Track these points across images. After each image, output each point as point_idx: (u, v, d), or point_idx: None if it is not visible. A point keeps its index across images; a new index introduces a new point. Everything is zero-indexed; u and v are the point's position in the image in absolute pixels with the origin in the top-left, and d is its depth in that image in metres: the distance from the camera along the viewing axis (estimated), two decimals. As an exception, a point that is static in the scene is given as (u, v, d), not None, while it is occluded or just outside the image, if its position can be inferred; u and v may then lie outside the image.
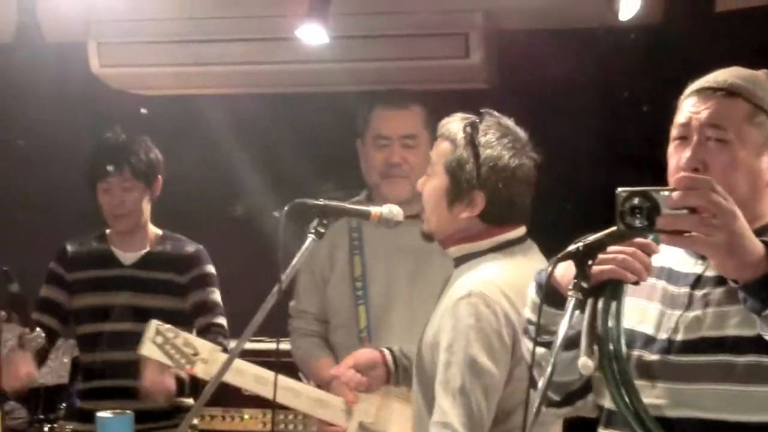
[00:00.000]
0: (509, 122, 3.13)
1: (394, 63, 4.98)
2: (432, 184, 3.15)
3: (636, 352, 2.36)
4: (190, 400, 4.46)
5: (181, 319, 4.45)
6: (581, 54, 5.19)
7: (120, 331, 4.41)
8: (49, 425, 5.88)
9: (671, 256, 2.42)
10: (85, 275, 4.50)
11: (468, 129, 3.07)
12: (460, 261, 3.14)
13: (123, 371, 4.33)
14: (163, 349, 3.69)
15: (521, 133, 3.13)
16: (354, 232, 4.05)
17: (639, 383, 2.30)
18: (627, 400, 2.23)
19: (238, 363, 3.68)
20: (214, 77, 5.30)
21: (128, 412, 3.54)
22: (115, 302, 4.44)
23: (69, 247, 4.55)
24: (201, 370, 3.69)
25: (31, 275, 4.48)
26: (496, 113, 3.13)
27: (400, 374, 3.68)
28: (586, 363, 2.14)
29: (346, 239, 4.06)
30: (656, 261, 2.34)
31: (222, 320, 4.48)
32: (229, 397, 4.15)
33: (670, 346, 2.33)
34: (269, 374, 3.76)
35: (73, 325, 4.56)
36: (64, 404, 5.83)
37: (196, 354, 3.68)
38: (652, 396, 2.31)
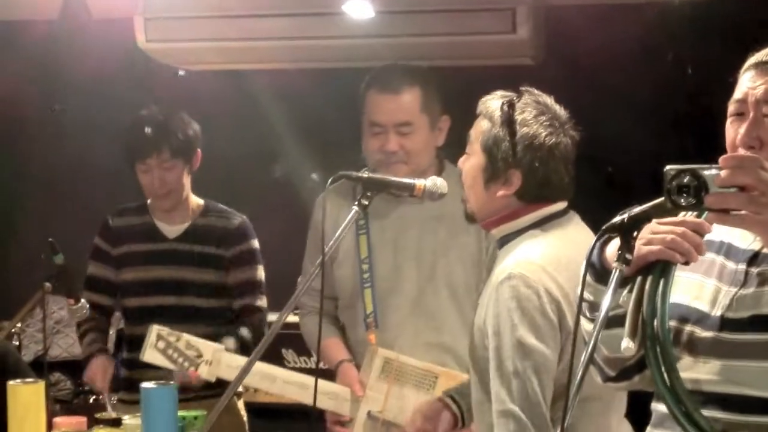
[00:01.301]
0: (548, 100, 3.09)
1: (440, 38, 4.97)
2: (470, 163, 3.12)
3: (689, 328, 2.34)
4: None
5: (224, 293, 4.49)
6: (628, 29, 5.15)
7: (165, 304, 4.43)
8: (93, 396, 5.94)
9: (733, 231, 2.38)
10: (129, 249, 4.51)
11: (505, 107, 3.03)
12: (503, 241, 3.12)
13: None
14: (166, 354, 3.66)
15: (560, 110, 3.08)
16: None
17: (691, 359, 2.29)
18: (668, 383, 2.21)
19: (242, 361, 3.67)
20: (260, 52, 5.30)
21: (172, 382, 3.56)
22: (159, 276, 4.46)
23: (111, 221, 4.55)
24: (205, 372, 3.67)
25: (77, 246, 4.52)
26: (535, 91, 3.09)
27: (466, 414, 3.62)
28: (627, 345, 2.12)
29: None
30: (717, 235, 2.32)
31: (262, 302, 4.48)
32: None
33: (723, 324, 2.30)
34: (279, 371, 3.78)
35: (119, 298, 4.58)
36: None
37: (199, 356, 3.66)
38: (703, 372, 2.29)
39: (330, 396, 3.76)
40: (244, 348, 4.34)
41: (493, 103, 3.07)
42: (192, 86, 5.58)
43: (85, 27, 5.14)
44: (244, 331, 4.39)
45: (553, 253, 2.95)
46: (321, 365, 3.94)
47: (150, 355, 3.69)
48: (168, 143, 4.36)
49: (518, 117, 3.01)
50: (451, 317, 3.88)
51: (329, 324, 4.04)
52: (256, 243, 4.49)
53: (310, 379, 3.74)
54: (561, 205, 3.10)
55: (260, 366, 3.66)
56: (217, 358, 3.62)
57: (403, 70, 3.91)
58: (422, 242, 3.89)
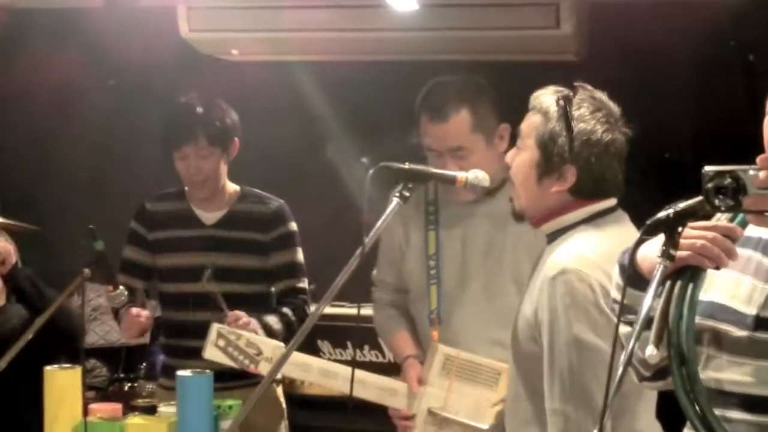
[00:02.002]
0: (603, 96, 3.08)
1: (483, 32, 4.95)
2: (521, 158, 3.10)
3: (724, 327, 2.31)
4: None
5: (263, 279, 4.48)
6: (673, 25, 5.11)
7: (202, 291, 4.43)
8: (129, 384, 5.98)
9: None
10: (166, 235, 4.51)
11: (561, 102, 3.01)
12: (552, 237, 3.11)
13: (204, 331, 4.36)
14: (226, 352, 3.67)
15: (614, 107, 3.07)
16: (430, 205, 3.97)
17: (725, 359, 2.27)
18: (690, 396, 2.20)
19: (305, 358, 3.69)
20: (303, 43, 5.31)
21: (208, 371, 3.57)
22: (197, 262, 4.46)
23: (148, 206, 4.56)
24: (265, 369, 3.67)
25: (118, 233, 4.54)
26: (589, 87, 3.08)
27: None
28: (651, 352, 2.12)
29: (422, 211, 3.99)
30: (753, 231, 2.30)
31: (303, 283, 4.49)
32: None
33: (758, 323, 2.28)
34: (336, 367, 3.78)
35: (156, 283, 4.59)
36: (144, 364, 5.91)
37: (259, 354, 3.67)
38: (739, 373, 2.27)
39: (390, 392, 3.76)
40: (288, 327, 4.35)
41: (547, 98, 3.06)
42: (236, 76, 5.59)
43: (129, 16, 5.16)
44: (287, 310, 4.40)
45: (606, 249, 2.92)
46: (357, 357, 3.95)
47: (210, 352, 3.71)
48: (205, 131, 4.35)
49: (575, 112, 3.00)
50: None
51: (400, 316, 4.06)
52: (294, 225, 4.47)
53: (371, 376, 3.78)
54: (612, 202, 3.09)
55: (319, 362, 3.71)
56: (278, 355, 3.63)
57: (450, 93, 3.82)
58: (490, 238, 3.87)
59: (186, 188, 4.52)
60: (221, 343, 3.66)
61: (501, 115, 3.87)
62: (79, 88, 6.47)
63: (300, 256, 4.50)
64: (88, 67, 6.33)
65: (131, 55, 5.96)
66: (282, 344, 3.78)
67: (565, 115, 2.99)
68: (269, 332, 4.34)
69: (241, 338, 3.69)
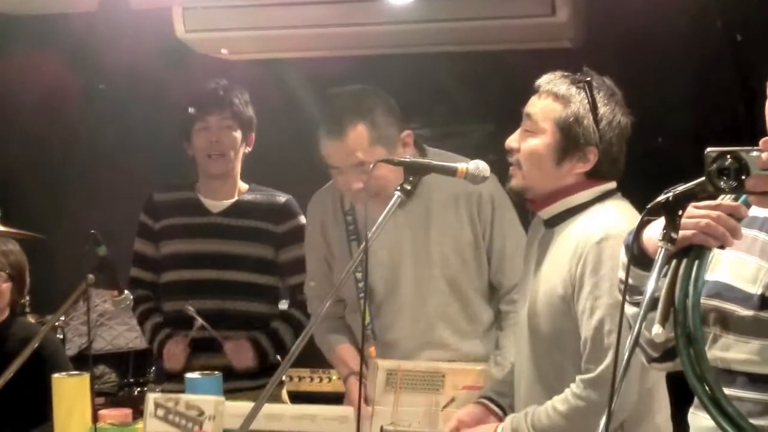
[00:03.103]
0: (609, 81, 3.16)
1: (479, 22, 4.94)
2: (538, 142, 3.13)
3: (730, 307, 2.32)
4: (278, 357, 4.47)
5: (268, 269, 4.48)
6: (669, 12, 5.10)
7: (204, 278, 4.42)
8: (138, 389, 5.96)
9: None
10: (171, 222, 4.50)
11: (583, 86, 3.09)
12: (556, 220, 3.15)
13: (208, 321, 4.35)
14: (167, 420, 3.56)
15: (619, 92, 3.16)
16: (348, 215, 3.92)
17: (732, 338, 2.28)
18: (698, 372, 2.20)
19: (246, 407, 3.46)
20: (299, 40, 5.30)
21: (216, 372, 3.57)
22: (201, 249, 4.44)
23: (156, 196, 4.55)
24: (210, 428, 3.58)
25: (120, 238, 4.53)
26: (594, 72, 3.15)
27: (508, 411, 3.51)
28: (657, 331, 2.13)
29: (340, 223, 3.94)
30: (759, 211, 2.31)
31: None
32: (317, 357, 4.14)
33: (763, 302, 2.28)
34: (280, 408, 3.67)
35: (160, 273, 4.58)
36: (153, 368, 5.89)
37: (201, 414, 3.59)
38: (744, 352, 2.28)
39: (339, 420, 3.62)
40: (297, 329, 4.36)
41: (560, 83, 3.12)
42: (233, 75, 5.58)
43: (124, 18, 5.15)
44: (282, 328, 4.41)
45: (633, 221, 2.96)
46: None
47: (151, 425, 3.52)
48: (231, 105, 4.37)
49: (596, 96, 3.09)
50: (454, 310, 3.85)
51: (340, 328, 4.03)
52: (304, 219, 4.41)
53: (318, 409, 3.65)
54: (614, 184, 3.17)
55: (265, 408, 3.51)
56: (220, 411, 3.51)
57: (345, 108, 3.73)
58: (415, 241, 3.84)
59: (197, 183, 4.50)
60: (160, 413, 3.49)
61: (401, 121, 3.79)
62: (74, 93, 6.46)
63: None
64: (82, 71, 6.32)
65: (125, 58, 5.95)
66: (222, 398, 3.58)
67: (591, 99, 3.07)
68: (278, 343, 4.34)
69: (179, 402, 3.51)
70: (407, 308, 3.85)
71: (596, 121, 3.06)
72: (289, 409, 3.76)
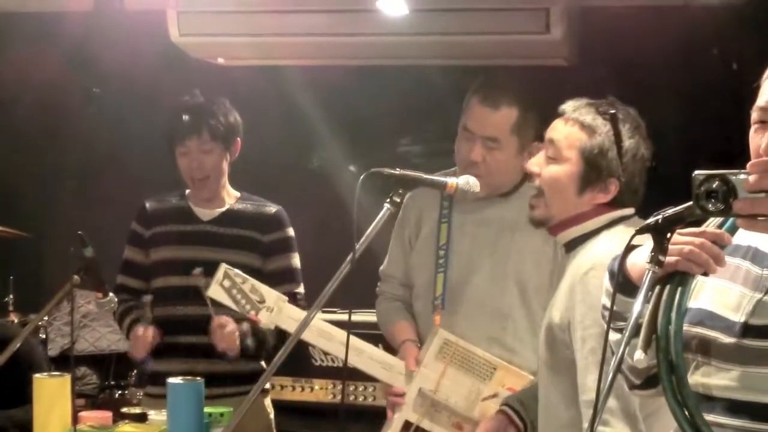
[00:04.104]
0: (634, 111, 3.16)
1: (474, 37, 4.94)
2: (560, 169, 3.14)
3: (713, 334, 2.32)
4: (261, 364, 4.47)
5: (254, 277, 4.46)
6: (663, 31, 5.11)
7: (195, 285, 4.42)
8: (119, 391, 5.95)
9: (760, 236, 2.35)
10: (162, 230, 4.50)
11: (609, 118, 3.09)
12: (572, 245, 3.16)
13: (194, 326, 4.35)
14: (230, 293, 3.68)
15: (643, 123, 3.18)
16: (445, 200, 4.00)
17: (713, 366, 2.28)
18: (679, 399, 2.21)
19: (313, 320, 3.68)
20: (293, 48, 5.30)
21: (198, 379, 3.56)
22: (189, 256, 4.44)
23: (148, 205, 4.55)
24: (265, 318, 3.68)
25: (108, 240, 4.53)
26: (617, 101, 3.16)
27: (530, 426, 3.56)
28: (639, 356, 2.13)
29: (437, 206, 4.02)
30: (743, 240, 2.30)
31: (301, 288, 4.48)
32: (299, 367, 4.14)
33: (745, 330, 2.28)
34: (335, 331, 3.76)
35: (150, 278, 4.57)
36: (134, 371, 5.89)
37: (262, 301, 3.68)
38: (726, 379, 2.27)
39: (384, 366, 3.77)
40: (261, 342, 4.35)
41: (586, 112, 3.12)
42: (227, 79, 5.59)
43: (118, 20, 5.15)
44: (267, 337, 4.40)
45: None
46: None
47: (214, 291, 3.72)
48: (208, 126, 4.36)
49: (621, 128, 3.09)
50: (519, 316, 3.89)
51: (402, 309, 4.08)
52: (292, 231, 4.47)
53: (368, 346, 3.79)
54: (632, 210, 3.17)
55: (319, 324, 3.68)
56: (279, 307, 3.65)
57: (508, 88, 3.90)
58: (498, 240, 3.91)
59: (187, 192, 4.52)
60: (226, 283, 3.67)
61: (540, 134, 3.86)
62: (67, 93, 6.46)
63: (297, 261, 4.51)
64: (76, 71, 6.32)
65: (119, 60, 5.95)
66: (285, 298, 3.78)
67: (617, 132, 3.07)
68: (260, 340, 4.34)
69: (246, 282, 3.70)
70: (474, 300, 3.90)
71: (620, 154, 3.07)
72: (340, 335, 3.75)
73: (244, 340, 4.32)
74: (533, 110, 3.87)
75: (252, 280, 3.74)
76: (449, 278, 3.93)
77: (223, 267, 3.73)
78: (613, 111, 3.10)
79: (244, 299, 3.69)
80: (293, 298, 4.38)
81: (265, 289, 3.73)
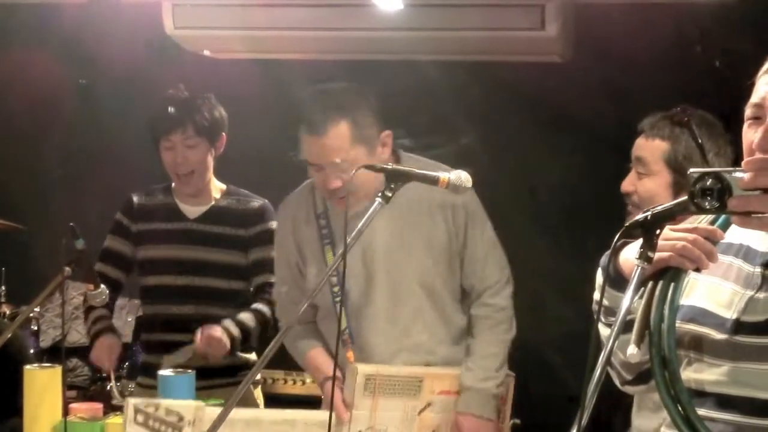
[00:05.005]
0: (704, 113, 3.38)
1: (469, 33, 4.93)
2: (651, 183, 3.36)
3: (705, 330, 2.32)
4: (252, 356, 4.47)
5: (242, 274, 4.48)
6: (658, 27, 5.11)
7: (182, 284, 4.42)
8: (109, 384, 5.93)
9: (751, 234, 2.36)
10: (149, 227, 4.50)
11: (685, 124, 3.30)
12: None
13: (184, 325, 4.35)
14: (147, 426, 3.54)
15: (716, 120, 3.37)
16: (321, 218, 3.91)
17: (705, 362, 2.28)
18: (672, 392, 2.22)
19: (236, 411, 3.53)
20: (288, 42, 5.29)
21: (190, 371, 3.55)
22: (178, 255, 4.45)
23: (135, 199, 4.55)
24: None
25: (99, 232, 4.52)
26: (689, 107, 3.38)
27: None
28: (632, 351, 2.14)
29: (313, 227, 3.92)
30: (735, 238, 2.32)
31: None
32: (291, 360, 4.13)
33: (737, 327, 2.29)
34: (263, 413, 3.76)
35: (137, 277, 4.57)
36: (126, 363, 5.88)
37: (181, 419, 3.56)
38: (717, 374, 2.28)
39: (318, 426, 3.66)
40: (263, 324, 4.33)
41: (663, 124, 3.36)
42: (219, 72, 5.57)
43: (113, 12, 5.14)
44: (262, 306, 4.38)
45: None
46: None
47: (131, 430, 3.52)
48: (192, 120, 4.35)
49: (698, 132, 3.32)
50: (429, 314, 3.87)
51: (311, 332, 4.00)
52: (275, 224, 4.38)
53: (295, 414, 3.70)
54: None
55: (243, 413, 3.56)
56: (200, 416, 3.49)
57: (329, 104, 3.73)
58: (389, 245, 3.84)
59: (173, 184, 4.51)
60: (140, 418, 3.49)
61: (381, 122, 3.79)
62: (59, 85, 6.45)
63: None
64: (70, 63, 6.31)
65: (113, 52, 5.93)
66: (202, 403, 3.60)
67: (694, 136, 3.30)
68: (244, 331, 4.32)
69: (159, 408, 3.52)
70: (382, 313, 3.85)
71: (704, 154, 3.26)
72: (267, 414, 3.76)
73: (232, 337, 4.30)
74: (361, 108, 3.74)
75: (163, 402, 3.55)
76: (350, 304, 3.84)
77: (131, 403, 3.52)
78: (686, 118, 3.31)
79: (163, 425, 3.55)
80: (269, 287, 4.36)
81: (179, 405, 3.55)
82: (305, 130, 3.73)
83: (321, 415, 3.72)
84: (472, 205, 3.87)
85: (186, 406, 3.49)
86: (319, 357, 3.95)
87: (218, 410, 3.45)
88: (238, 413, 3.42)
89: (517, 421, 4.06)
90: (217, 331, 4.21)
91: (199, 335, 4.20)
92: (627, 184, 3.44)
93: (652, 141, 3.38)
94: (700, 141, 3.31)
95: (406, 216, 3.81)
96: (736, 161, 3.25)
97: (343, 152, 3.68)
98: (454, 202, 3.80)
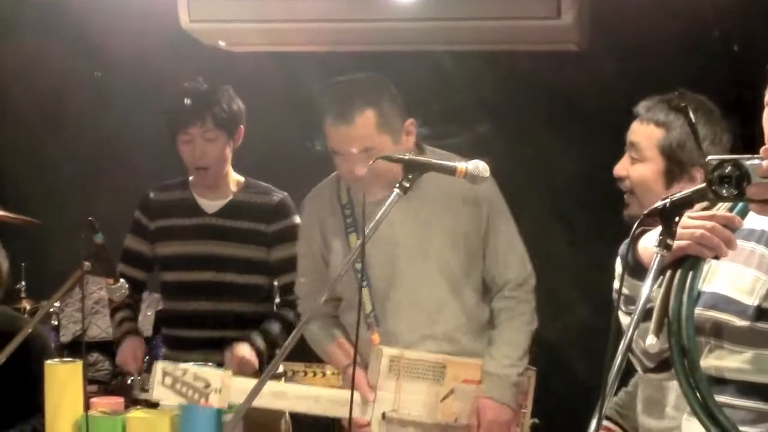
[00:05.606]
0: (704, 98, 3.30)
1: (483, 22, 4.92)
2: (645, 169, 3.29)
3: (726, 317, 2.33)
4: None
5: (262, 269, 4.46)
6: (674, 15, 5.10)
7: (202, 280, 4.41)
8: (131, 377, 5.95)
9: None
10: (167, 223, 4.50)
11: (681, 110, 3.23)
12: None
13: (204, 321, 4.36)
14: (174, 389, 3.56)
15: (715, 106, 3.30)
16: (346, 208, 3.94)
17: (727, 347, 2.29)
18: (691, 381, 2.22)
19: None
20: (303, 34, 5.28)
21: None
22: (197, 251, 4.44)
23: (152, 195, 4.54)
24: (216, 401, 3.56)
25: (118, 225, 4.53)
26: (688, 92, 3.29)
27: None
28: (651, 341, 2.14)
29: (338, 216, 3.95)
30: (757, 224, 2.32)
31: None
32: (311, 352, 4.14)
33: (759, 313, 2.29)
34: (289, 387, 3.79)
35: (157, 273, 4.57)
36: (147, 357, 5.89)
37: (208, 386, 3.60)
38: (739, 361, 2.29)
39: (341, 403, 3.72)
40: (289, 329, 4.33)
41: (658, 110, 3.28)
42: (236, 66, 5.57)
43: (128, 4, 5.15)
44: (275, 327, 4.39)
45: None
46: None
47: (158, 392, 3.58)
48: (211, 113, 4.33)
49: (694, 118, 3.22)
50: (452, 306, 3.90)
51: (333, 326, 4.04)
52: (297, 219, 4.41)
53: (320, 390, 3.78)
54: None
55: (270, 385, 3.57)
56: (227, 384, 3.54)
57: (353, 94, 3.78)
58: (414, 234, 3.88)
59: (190, 177, 4.50)
60: (168, 381, 3.54)
61: (405, 110, 3.85)
62: (74, 80, 6.46)
63: None
64: (84, 57, 6.32)
65: (128, 46, 5.94)
66: (229, 372, 3.65)
67: (691, 123, 3.21)
68: (272, 342, 4.32)
69: (187, 373, 3.57)
70: (406, 302, 3.88)
71: (698, 142, 3.19)
72: (293, 388, 3.81)
73: (259, 352, 4.30)
74: (385, 96, 3.80)
75: (192, 368, 3.60)
76: (374, 291, 3.89)
77: (160, 366, 3.59)
78: (684, 104, 3.22)
79: (190, 390, 3.58)
80: (291, 290, 4.34)
81: (208, 373, 3.60)
82: (331, 119, 3.77)
83: (345, 393, 3.74)
84: (496, 199, 3.92)
85: (214, 373, 3.55)
86: (342, 347, 3.99)
87: (244, 380, 3.61)
88: (268, 385, 3.41)
89: (537, 420, 4.07)
90: (245, 350, 4.21)
91: (229, 356, 4.20)
92: (619, 168, 3.38)
93: (646, 126, 3.31)
94: (695, 128, 3.23)
95: (430, 207, 3.86)
96: (733, 149, 3.25)
97: (369, 140, 3.73)
98: (478, 196, 3.85)
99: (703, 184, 2.13)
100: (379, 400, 3.79)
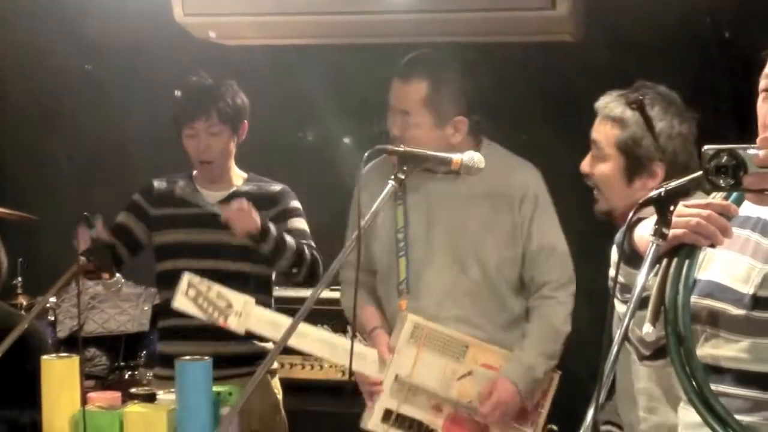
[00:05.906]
0: (663, 89, 3.29)
1: (478, 14, 4.92)
2: (605, 167, 3.32)
3: (722, 306, 2.33)
4: (269, 345, 4.47)
5: (261, 258, 4.45)
6: (670, 5, 5.09)
7: (201, 268, 4.40)
8: (129, 372, 5.96)
9: None
10: (168, 212, 4.52)
11: (635, 106, 3.23)
12: None
13: None
14: (196, 303, 3.64)
15: (677, 97, 3.29)
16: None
17: (723, 336, 2.29)
18: (688, 369, 2.22)
19: (283, 319, 3.69)
20: (297, 27, 5.27)
21: (207, 358, 3.56)
22: (197, 239, 4.45)
23: (156, 184, 4.57)
24: (234, 323, 3.66)
25: (112, 218, 4.52)
26: (648, 83, 3.29)
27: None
28: (648, 330, 2.15)
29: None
30: (752, 211, 2.32)
31: (310, 242, 4.48)
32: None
33: (755, 302, 2.29)
34: (310, 329, 3.79)
35: (153, 263, 4.57)
36: (144, 351, 5.90)
37: (229, 306, 3.64)
38: (735, 350, 2.29)
39: (359, 357, 3.79)
40: (299, 253, 4.33)
41: (615, 105, 3.28)
42: (230, 59, 5.57)
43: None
44: (288, 237, 4.36)
45: None
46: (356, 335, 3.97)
47: (180, 301, 3.68)
48: (216, 108, 4.37)
49: (650, 113, 3.23)
50: (483, 293, 3.92)
51: (367, 294, 4.09)
52: (297, 203, 4.50)
53: (341, 340, 3.83)
54: None
55: (310, 330, 3.72)
56: (248, 311, 3.63)
57: (423, 61, 3.99)
58: (454, 217, 3.95)
59: (194, 172, 4.52)
60: (191, 293, 3.63)
61: (463, 108, 3.93)
62: (68, 74, 6.45)
63: (301, 224, 4.50)
64: (79, 50, 6.31)
65: (122, 40, 5.93)
66: (253, 300, 3.74)
67: (645, 118, 3.23)
68: (280, 238, 4.30)
69: (211, 289, 3.65)
70: (439, 283, 3.95)
71: (655, 137, 3.20)
72: (313, 331, 3.82)
73: (265, 222, 4.27)
74: (449, 81, 3.93)
75: (217, 287, 3.69)
76: (411, 261, 3.96)
77: (187, 276, 3.68)
78: (641, 97, 3.22)
79: (211, 307, 3.64)
80: (305, 238, 4.36)
81: (231, 294, 3.69)
82: (398, 75, 3.97)
83: (363, 348, 3.87)
84: (542, 197, 4.00)
85: (237, 297, 3.64)
86: (371, 313, 4.06)
87: (265, 311, 3.73)
88: (287, 321, 3.55)
89: (554, 427, 4.07)
90: (243, 203, 4.21)
91: (227, 209, 4.21)
92: (584, 165, 3.42)
93: (604, 124, 3.33)
94: (651, 124, 3.23)
95: (478, 195, 3.93)
96: (697, 141, 3.26)
97: (411, 105, 3.89)
98: (525, 192, 3.95)
99: (699, 173, 2.13)
100: (395, 363, 3.84)
